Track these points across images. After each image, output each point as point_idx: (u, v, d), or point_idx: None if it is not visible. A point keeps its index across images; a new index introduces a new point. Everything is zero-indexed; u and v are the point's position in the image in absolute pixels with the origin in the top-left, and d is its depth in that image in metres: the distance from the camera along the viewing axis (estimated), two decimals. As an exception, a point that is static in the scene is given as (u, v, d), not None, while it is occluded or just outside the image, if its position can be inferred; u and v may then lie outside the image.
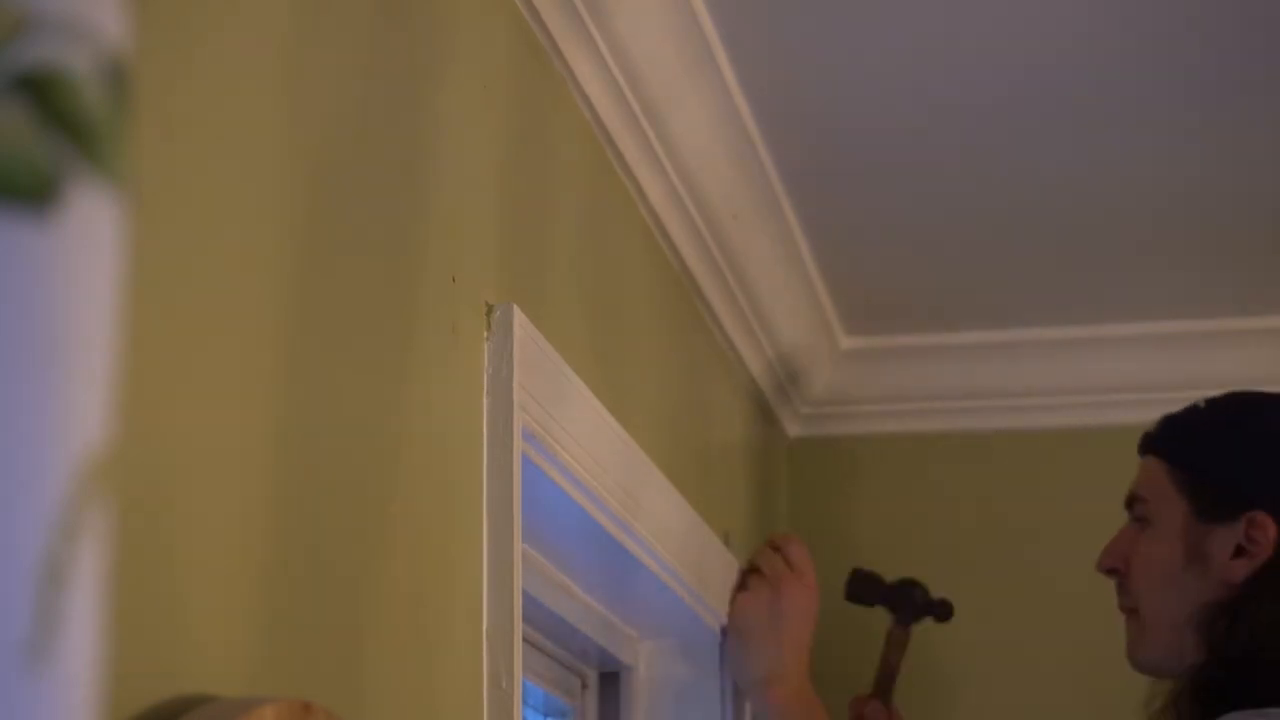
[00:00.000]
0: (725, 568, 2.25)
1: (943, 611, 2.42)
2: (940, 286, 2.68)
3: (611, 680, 2.27)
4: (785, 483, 2.87)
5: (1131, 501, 1.84)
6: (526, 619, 1.66)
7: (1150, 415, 1.90)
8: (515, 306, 1.45)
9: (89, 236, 0.45)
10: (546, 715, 2.14)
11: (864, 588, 2.44)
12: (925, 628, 2.46)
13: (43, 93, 0.44)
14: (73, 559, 0.44)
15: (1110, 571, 1.83)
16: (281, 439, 1.06)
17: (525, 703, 1.64)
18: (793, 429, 2.93)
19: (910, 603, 2.41)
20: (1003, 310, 2.76)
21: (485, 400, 1.42)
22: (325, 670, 1.10)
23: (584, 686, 2.23)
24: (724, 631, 2.21)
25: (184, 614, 0.93)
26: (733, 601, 2.18)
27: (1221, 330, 2.78)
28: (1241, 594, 1.70)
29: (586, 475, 1.66)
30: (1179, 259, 2.56)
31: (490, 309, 1.44)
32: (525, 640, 1.68)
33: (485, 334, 1.43)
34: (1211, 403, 1.83)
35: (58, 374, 0.44)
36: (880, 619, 2.44)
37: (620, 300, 1.93)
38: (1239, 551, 1.72)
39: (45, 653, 0.43)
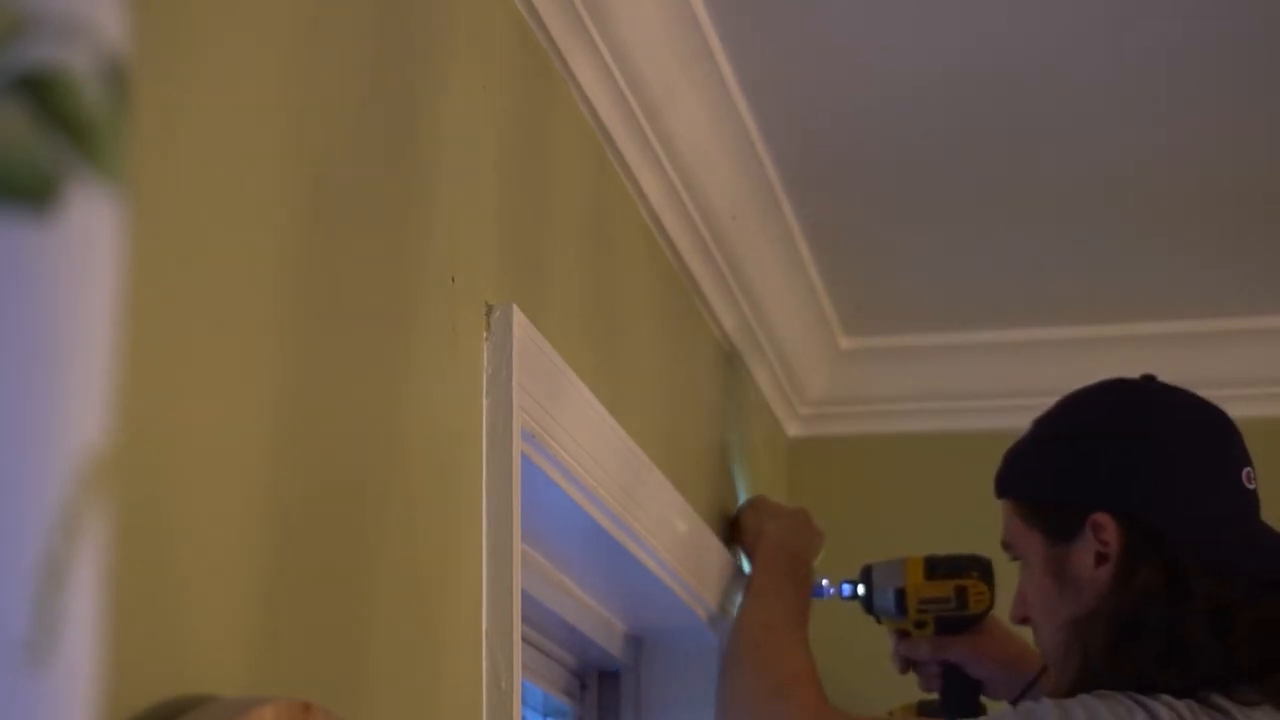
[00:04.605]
0: (725, 568, 2.25)
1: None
2: (940, 286, 2.68)
3: (611, 680, 2.27)
4: (785, 483, 2.87)
5: (1005, 548, 1.85)
6: (526, 619, 1.66)
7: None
8: (515, 306, 1.45)
9: (89, 236, 0.45)
10: (546, 715, 2.14)
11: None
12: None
13: (43, 93, 0.44)
14: (73, 559, 0.44)
15: (1023, 621, 1.82)
16: (281, 439, 1.06)
17: (525, 703, 1.64)
18: (792, 429, 2.93)
19: None
20: (1003, 310, 2.76)
21: (485, 400, 1.42)
22: (325, 670, 1.10)
23: (583, 686, 2.23)
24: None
25: (184, 614, 0.93)
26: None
27: (1222, 330, 2.78)
28: (1116, 602, 1.68)
29: (586, 475, 1.66)
30: (1180, 259, 2.56)
31: (490, 309, 1.44)
32: (525, 640, 1.68)
33: (485, 334, 1.43)
34: (1035, 421, 1.85)
35: (58, 374, 0.44)
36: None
37: (620, 300, 1.93)
38: (1100, 559, 1.70)
39: (45, 652, 0.43)
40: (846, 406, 2.92)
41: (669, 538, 1.97)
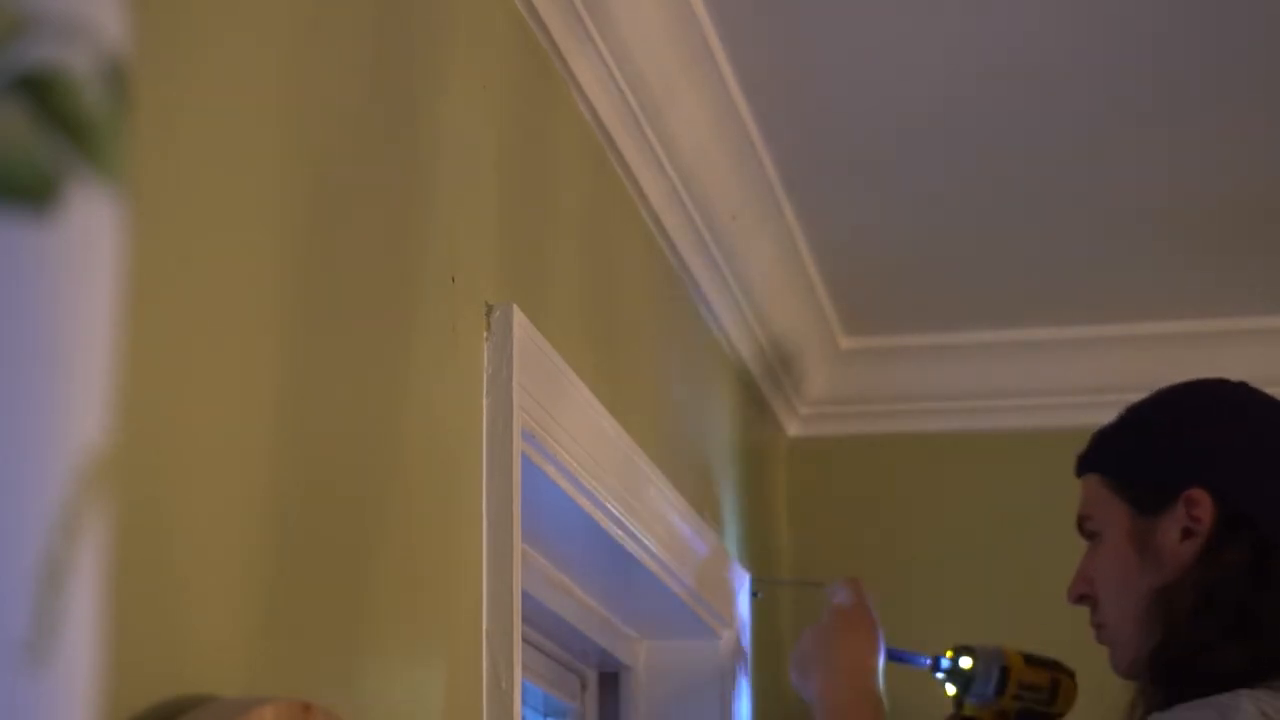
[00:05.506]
0: (725, 567, 2.25)
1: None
2: (940, 286, 2.68)
3: (611, 680, 2.27)
4: (785, 483, 2.87)
5: (1080, 523, 1.87)
6: (526, 619, 1.66)
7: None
8: (515, 306, 1.45)
9: (89, 236, 0.45)
10: (546, 715, 2.14)
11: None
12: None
13: (43, 93, 0.44)
14: (73, 559, 0.44)
15: (1080, 599, 1.84)
16: (281, 439, 1.06)
17: (525, 703, 1.64)
18: (793, 429, 2.93)
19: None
20: (1003, 310, 2.76)
21: (485, 400, 1.42)
22: (325, 670, 1.10)
23: (584, 686, 2.23)
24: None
25: (184, 614, 0.93)
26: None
27: (1222, 330, 2.78)
28: (1200, 574, 1.71)
29: (586, 475, 1.66)
30: (1179, 259, 2.56)
31: (490, 309, 1.44)
32: (525, 640, 1.68)
33: (485, 334, 1.43)
34: (1129, 407, 1.87)
35: (57, 374, 0.44)
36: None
37: (620, 300, 1.93)
38: (1186, 534, 1.73)
39: (45, 653, 0.43)
40: (846, 406, 2.92)
41: (669, 538, 1.97)
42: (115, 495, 0.46)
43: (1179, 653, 1.66)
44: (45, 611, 0.43)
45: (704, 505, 2.17)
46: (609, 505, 1.75)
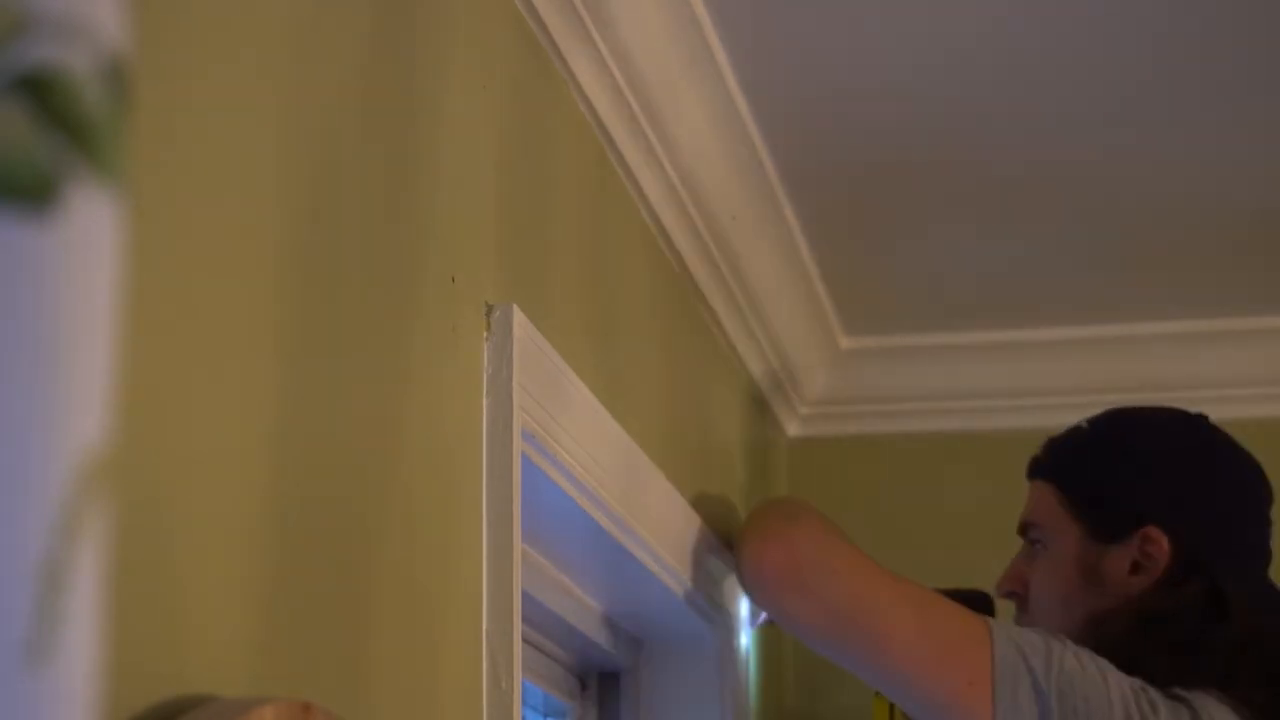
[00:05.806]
0: (726, 569, 2.25)
1: None
2: (940, 286, 2.68)
3: (611, 681, 2.27)
4: (785, 483, 2.87)
5: (1025, 528, 1.88)
6: (526, 619, 1.66)
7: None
8: (515, 306, 1.45)
9: (88, 236, 0.45)
10: (546, 715, 2.14)
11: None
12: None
13: (43, 93, 0.44)
14: (72, 559, 0.44)
15: (1009, 595, 1.86)
16: (281, 439, 1.06)
17: (525, 703, 1.64)
18: (793, 429, 2.93)
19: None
20: (1002, 310, 2.76)
21: (485, 400, 1.42)
22: (325, 670, 1.10)
23: (583, 687, 2.23)
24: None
25: (184, 614, 0.93)
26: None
27: (1222, 330, 2.78)
28: (1141, 605, 1.74)
29: (586, 475, 1.66)
30: (1180, 259, 2.56)
31: (490, 309, 1.44)
32: (525, 640, 1.68)
33: (485, 334, 1.43)
34: (1094, 423, 1.88)
35: (57, 374, 0.44)
36: None
37: (620, 300, 1.93)
38: (1135, 568, 1.76)
39: (45, 653, 0.43)
40: (846, 406, 2.92)
41: (669, 538, 1.97)
42: (115, 495, 0.46)
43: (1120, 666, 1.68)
44: (45, 611, 0.43)
45: (704, 505, 2.17)
46: (609, 505, 1.75)
